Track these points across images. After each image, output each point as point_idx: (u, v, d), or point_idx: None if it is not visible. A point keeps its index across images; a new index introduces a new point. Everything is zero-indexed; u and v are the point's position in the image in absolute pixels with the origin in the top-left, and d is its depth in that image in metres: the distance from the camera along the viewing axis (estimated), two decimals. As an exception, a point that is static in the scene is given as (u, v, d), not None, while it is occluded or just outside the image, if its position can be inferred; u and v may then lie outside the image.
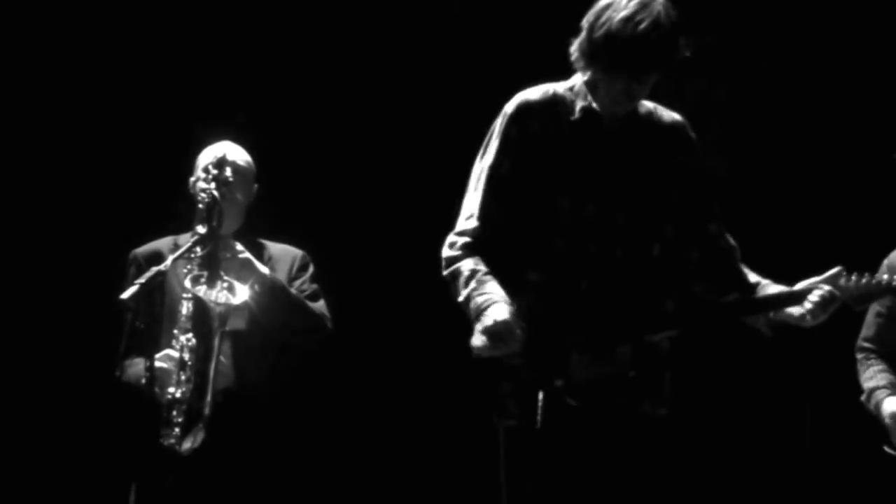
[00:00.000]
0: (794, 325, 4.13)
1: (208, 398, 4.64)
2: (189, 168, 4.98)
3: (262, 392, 4.84)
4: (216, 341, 4.67)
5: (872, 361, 5.02)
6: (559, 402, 4.01)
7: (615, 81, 4.03)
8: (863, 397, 5.00)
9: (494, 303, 3.98)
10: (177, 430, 4.62)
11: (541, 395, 3.97)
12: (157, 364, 4.55)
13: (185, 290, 4.69)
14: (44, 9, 6.37)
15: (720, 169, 5.89)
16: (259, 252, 4.93)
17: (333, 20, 6.39)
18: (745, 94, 6.14)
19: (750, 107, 6.14)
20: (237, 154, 4.93)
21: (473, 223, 4.12)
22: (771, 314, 4.15)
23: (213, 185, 4.69)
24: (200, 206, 4.68)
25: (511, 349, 3.96)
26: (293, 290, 4.88)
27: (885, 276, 4.14)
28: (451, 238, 4.15)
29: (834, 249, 4.30)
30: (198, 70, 6.34)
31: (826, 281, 4.09)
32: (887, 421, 4.88)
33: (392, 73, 6.37)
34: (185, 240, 4.80)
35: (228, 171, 4.77)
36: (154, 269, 4.40)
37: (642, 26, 3.92)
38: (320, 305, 4.94)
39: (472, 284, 4.03)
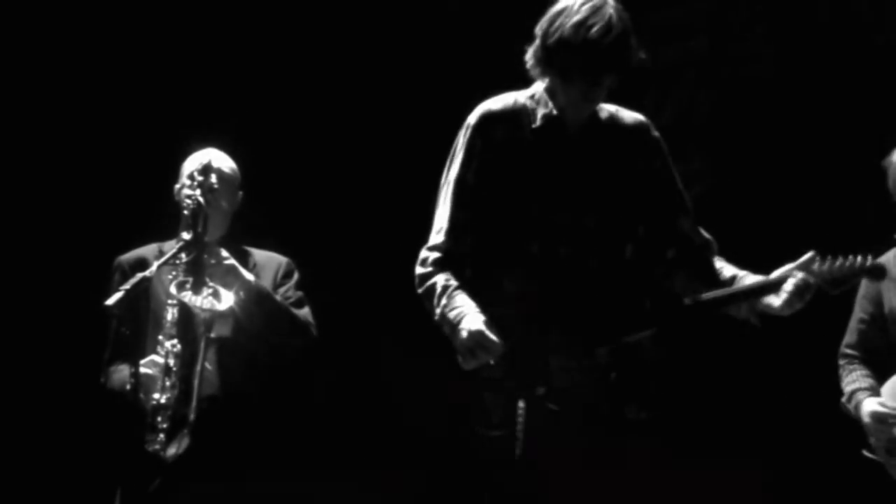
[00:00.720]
0: (774, 315, 4.15)
1: (193, 404, 4.63)
2: (174, 175, 4.98)
3: (247, 399, 4.84)
4: (201, 347, 4.66)
5: (855, 366, 5.06)
6: (541, 411, 4.03)
7: (572, 86, 4.09)
8: (843, 399, 5.04)
9: (465, 315, 4.02)
10: (162, 435, 4.62)
11: (521, 405, 4.01)
12: (142, 370, 4.56)
13: (170, 295, 4.69)
14: (30, 17, 6.36)
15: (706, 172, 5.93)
16: (244, 259, 4.94)
17: (317, 28, 6.40)
18: (731, 99, 6.15)
19: (736, 111, 6.16)
20: (222, 161, 4.93)
21: (443, 237, 4.17)
22: (750, 304, 4.17)
23: (198, 191, 4.70)
24: (186, 212, 4.69)
25: (492, 356, 3.99)
26: (278, 297, 4.88)
27: (859, 258, 4.15)
28: (422, 254, 4.21)
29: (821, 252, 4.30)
30: (182, 77, 6.33)
31: (800, 267, 4.12)
32: (866, 420, 4.91)
33: (376, 80, 6.37)
34: (170, 247, 4.79)
35: (214, 178, 4.78)
36: (139, 276, 4.43)
37: (594, 30, 3.98)
38: (305, 312, 4.95)
39: (444, 301, 4.09)
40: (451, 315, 4.04)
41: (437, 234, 4.18)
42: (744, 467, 6.13)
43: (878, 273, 4.24)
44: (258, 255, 5.03)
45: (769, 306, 4.13)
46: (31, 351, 6.30)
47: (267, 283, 4.92)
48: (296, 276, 5.03)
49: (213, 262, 4.75)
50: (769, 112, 6.13)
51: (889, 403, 4.91)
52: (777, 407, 6.11)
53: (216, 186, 4.78)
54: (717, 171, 6.05)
